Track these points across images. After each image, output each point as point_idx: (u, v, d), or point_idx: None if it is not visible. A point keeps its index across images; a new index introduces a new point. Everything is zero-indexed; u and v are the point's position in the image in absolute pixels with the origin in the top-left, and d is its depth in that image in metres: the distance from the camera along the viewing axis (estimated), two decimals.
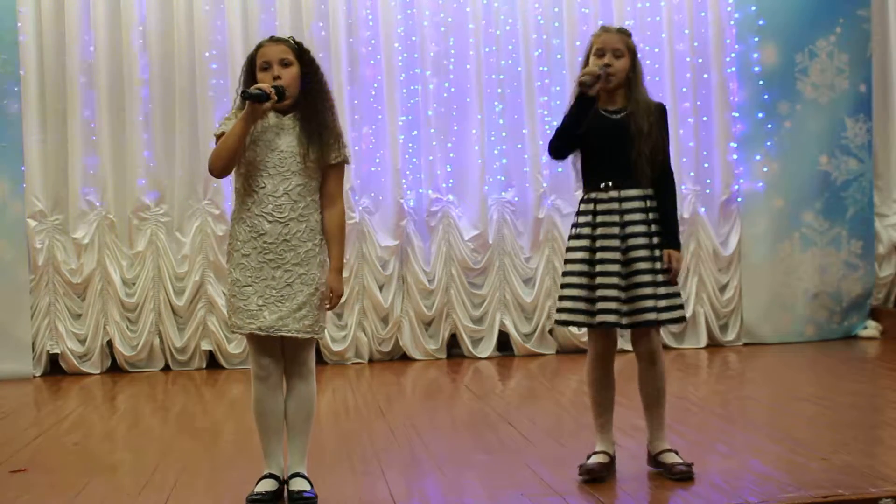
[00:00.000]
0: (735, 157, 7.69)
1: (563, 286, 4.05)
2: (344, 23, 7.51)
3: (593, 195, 4.02)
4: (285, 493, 3.86)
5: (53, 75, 7.38)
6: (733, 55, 7.70)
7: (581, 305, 3.97)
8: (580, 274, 3.98)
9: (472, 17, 7.60)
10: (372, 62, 7.59)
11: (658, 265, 3.95)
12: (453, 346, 7.68)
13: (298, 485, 3.83)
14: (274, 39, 3.92)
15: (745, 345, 7.66)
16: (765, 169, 7.68)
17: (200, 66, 7.39)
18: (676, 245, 3.98)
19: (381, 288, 7.55)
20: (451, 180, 7.64)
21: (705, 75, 7.70)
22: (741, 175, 7.70)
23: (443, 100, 7.62)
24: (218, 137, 3.81)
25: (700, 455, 4.19)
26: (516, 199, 7.66)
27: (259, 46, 3.89)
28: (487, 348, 7.60)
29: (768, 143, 7.68)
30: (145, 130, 7.42)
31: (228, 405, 6.10)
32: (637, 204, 3.97)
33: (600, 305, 3.93)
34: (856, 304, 7.84)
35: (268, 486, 3.83)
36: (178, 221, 7.44)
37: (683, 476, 3.91)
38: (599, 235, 3.97)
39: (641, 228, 3.96)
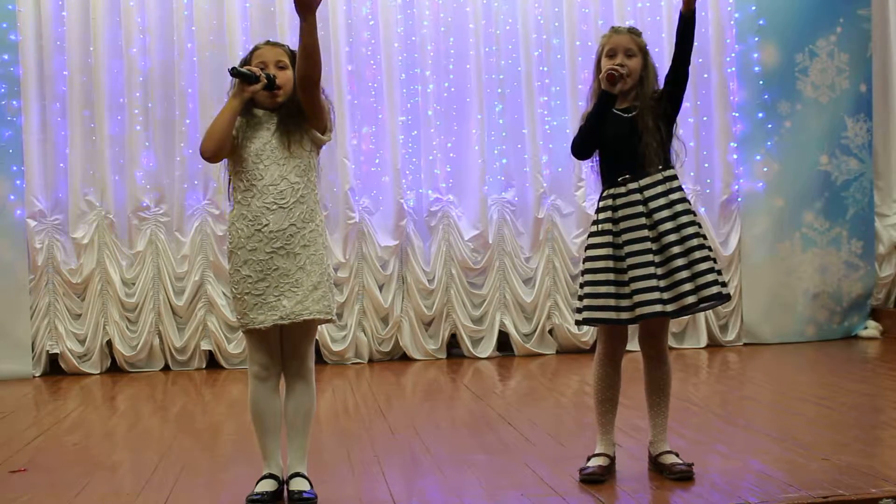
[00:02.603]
0: (735, 157, 7.69)
1: (587, 284, 3.97)
2: (344, 23, 7.51)
3: (612, 191, 4.00)
4: (285, 494, 3.86)
5: (53, 75, 7.39)
6: (733, 55, 7.69)
7: (611, 302, 3.93)
8: (605, 270, 3.94)
9: (472, 17, 7.60)
10: (372, 62, 7.59)
11: (693, 242, 3.91)
12: (453, 346, 7.68)
13: (298, 485, 3.82)
14: (271, 43, 3.92)
15: (745, 345, 7.66)
16: (765, 169, 7.68)
17: (200, 65, 7.39)
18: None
19: (381, 288, 7.55)
20: (451, 180, 7.64)
21: (705, 75, 7.70)
22: (741, 175, 7.70)
23: (443, 100, 7.62)
24: None
25: (700, 455, 4.19)
26: (516, 199, 7.66)
27: (256, 48, 3.90)
28: (487, 348, 7.60)
29: (768, 143, 7.68)
30: (145, 130, 7.43)
31: (228, 405, 6.09)
32: (658, 189, 3.94)
33: (639, 298, 3.87)
34: (856, 305, 7.83)
35: (267, 486, 3.83)
36: (177, 221, 7.44)
37: (683, 476, 3.91)
38: (624, 230, 3.94)
39: (666, 213, 3.92)
